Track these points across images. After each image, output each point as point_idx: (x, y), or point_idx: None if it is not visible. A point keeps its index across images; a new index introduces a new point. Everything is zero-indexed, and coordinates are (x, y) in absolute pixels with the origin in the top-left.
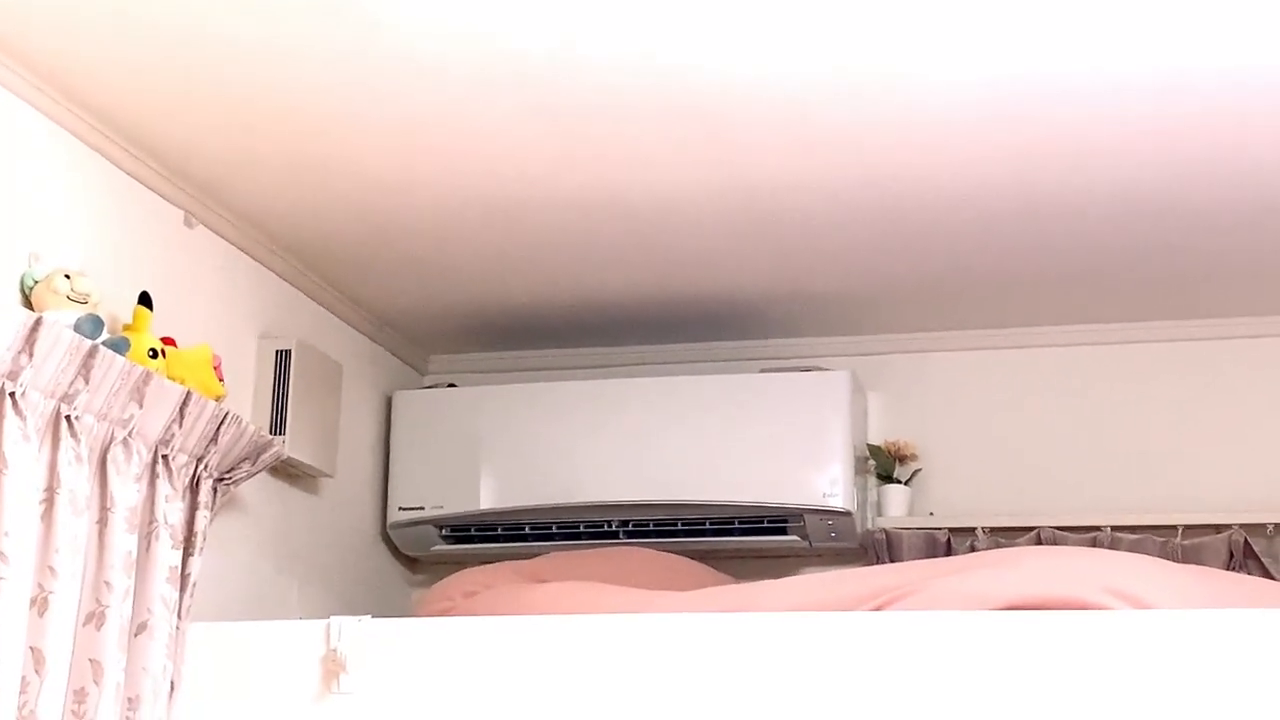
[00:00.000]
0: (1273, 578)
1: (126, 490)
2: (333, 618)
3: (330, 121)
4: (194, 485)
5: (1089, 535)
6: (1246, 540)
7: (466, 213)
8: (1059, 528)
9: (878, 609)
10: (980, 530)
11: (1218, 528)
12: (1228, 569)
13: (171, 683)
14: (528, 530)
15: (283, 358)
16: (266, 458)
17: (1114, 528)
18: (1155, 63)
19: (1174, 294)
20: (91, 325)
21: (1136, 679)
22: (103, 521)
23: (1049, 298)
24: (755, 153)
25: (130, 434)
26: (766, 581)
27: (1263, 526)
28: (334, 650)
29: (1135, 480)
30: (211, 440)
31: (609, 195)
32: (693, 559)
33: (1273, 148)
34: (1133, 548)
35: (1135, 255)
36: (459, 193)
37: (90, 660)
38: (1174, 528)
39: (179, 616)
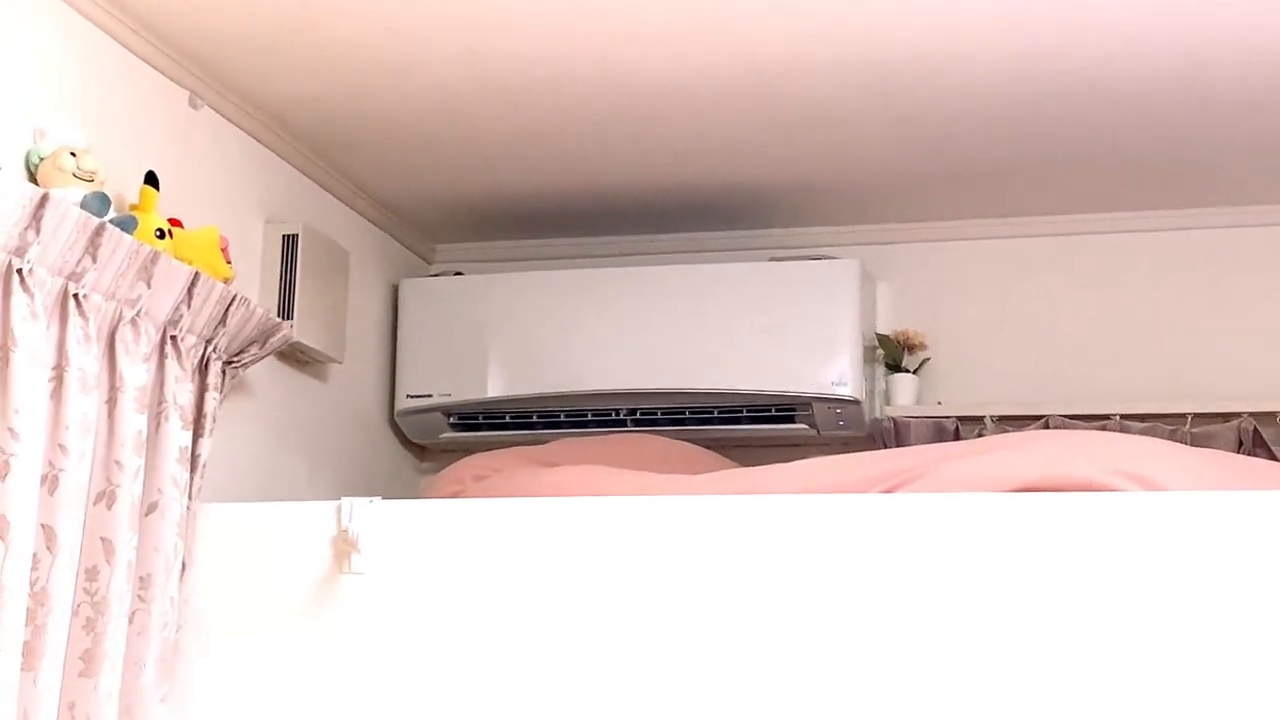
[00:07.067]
0: None
1: (135, 370)
2: (344, 499)
3: (336, 3)
4: (203, 367)
5: (1098, 424)
6: (1256, 428)
7: (473, 98)
8: (1068, 416)
9: (889, 491)
10: (989, 419)
11: (1226, 416)
12: None
13: (183, 562)
14: (535, 418)
15: (290, 242)
16: (275, 341)
17: (1123, 416)
18: None
19: (1185, 181)
20: (99, 203)
21: (1148, 561)
22: (112, 401)
23: (1059, 186)
24: (766, 36)
25: (139, 314)
26: (777, 465)
27: (1272, 414)
28: (345, 530)
29: (1144, 368)
30: (220, 322)
31: (616, 81)
32: (700, 447)
33: None
34: (1142, 435)
35: (1146, 142)
36: (465, 76)
37: (101, 539)
38: (1183, 416)
39: (189, 497)
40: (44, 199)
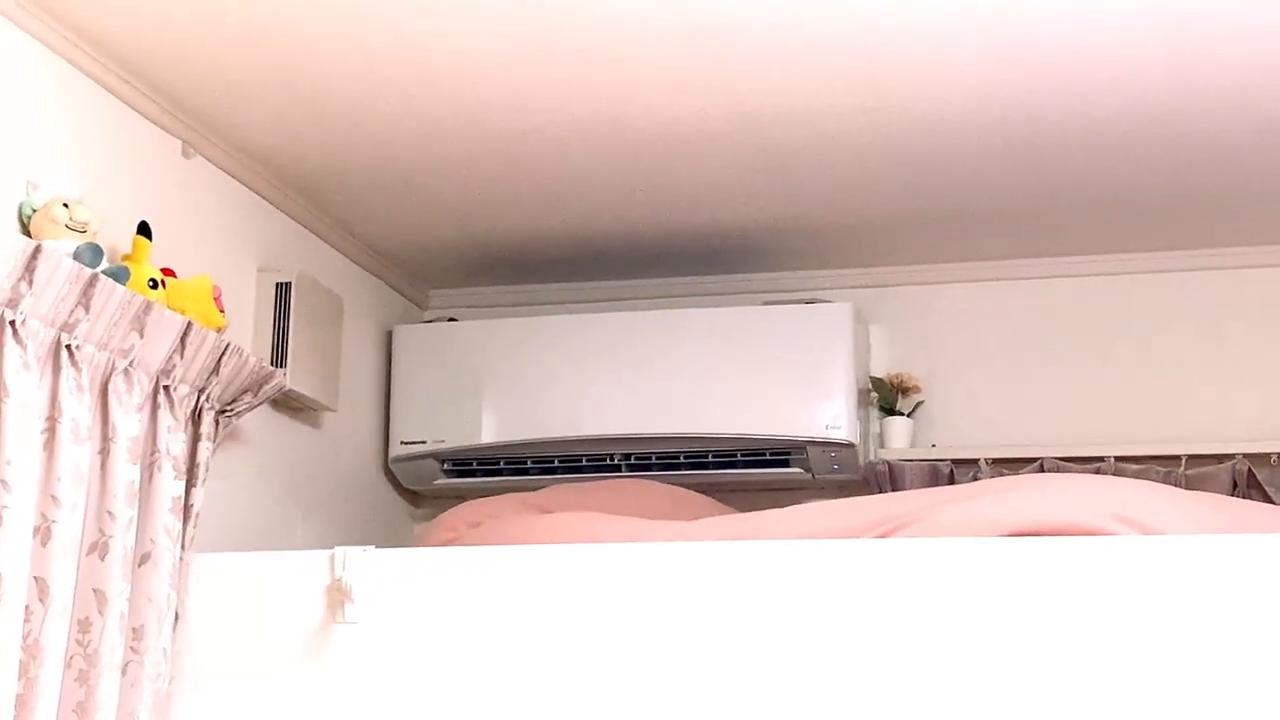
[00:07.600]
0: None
1: (128, 420)
2: (337, 548)
3: (328, 50)
4: (195, 416)
5: (1092, 466)
6: (1250, 469)
7: (466, 144)
8: (1062, 459)
9: (883, 536)
10: (983, 461)
11: (1221, 457)
12: None
13: (176, 613)
14: (530, 464)
15: (283, 290)
16: (268, 389)
17: (1117, 458)
18: None
19: (1177, 224)
20: (91, 254)
21: (1143, 605)
22: (105, 451)
23: (1051, 229)
24: (757, 80)
25: (131, 364)
26: (772, 510)
27: (1266, 456)
28: (339, 580)
29: (1138, 411)
30: (213, 371)
31: (609, 125)
32: (695, 491)
33: (1275, 74)
34: (1136, 478)
35: (1139, 185)
36: (458, 123)
37: (94, 590)
38: (1177, 458)
39: (182, 547)
40: (37, 251)
